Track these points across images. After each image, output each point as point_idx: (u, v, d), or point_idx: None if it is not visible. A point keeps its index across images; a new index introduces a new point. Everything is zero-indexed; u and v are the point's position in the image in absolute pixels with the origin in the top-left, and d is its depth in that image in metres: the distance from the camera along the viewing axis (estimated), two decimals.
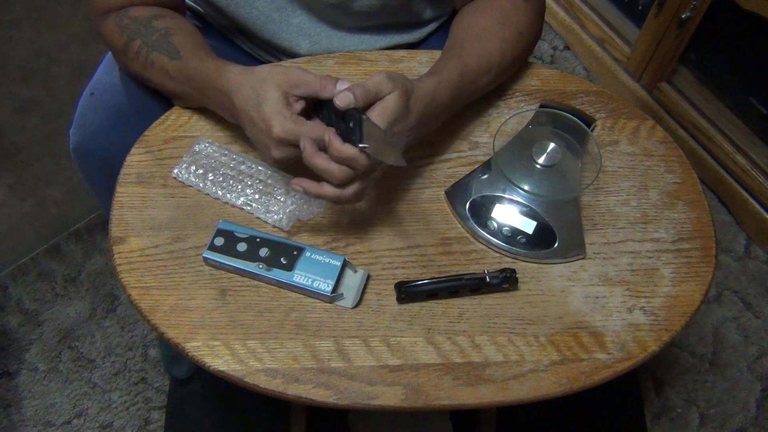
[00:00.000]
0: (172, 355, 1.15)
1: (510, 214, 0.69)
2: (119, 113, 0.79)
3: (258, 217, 0.69)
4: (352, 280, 0.65)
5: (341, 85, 0.62)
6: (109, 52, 0.84)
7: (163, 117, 0.76)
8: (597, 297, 0.66)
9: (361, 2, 0.80)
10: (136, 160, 0.73)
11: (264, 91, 0.61)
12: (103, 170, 0.78)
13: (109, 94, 0.80)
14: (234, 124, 0.75)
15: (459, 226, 0.70)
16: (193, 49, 0.71)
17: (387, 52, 0.85)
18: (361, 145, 0.59)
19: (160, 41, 0.71)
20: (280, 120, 0.60)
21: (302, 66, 0.81)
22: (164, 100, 0.78)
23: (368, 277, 0.66)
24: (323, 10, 0.83)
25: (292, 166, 0.65)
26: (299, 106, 0.63)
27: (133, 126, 0.76)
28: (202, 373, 0.89)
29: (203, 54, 0.70)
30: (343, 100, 0.59)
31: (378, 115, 0.60)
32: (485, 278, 0.64)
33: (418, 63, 0.82)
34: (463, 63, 0.72)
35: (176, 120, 0.76)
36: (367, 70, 0.82)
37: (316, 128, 0.61)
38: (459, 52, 0.73)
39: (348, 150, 0.59)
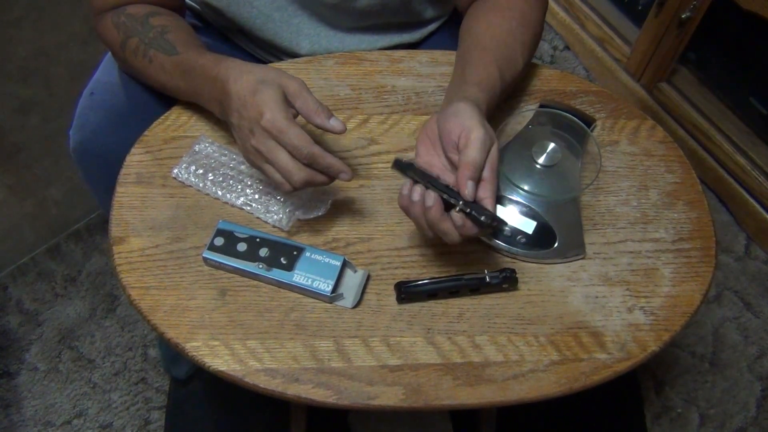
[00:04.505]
0: (172, 355, 1.15)
1: (510, 214, 0.69)
2: (119, 113, 0.79)
3: (258, 217, 0.69)
4: (352, 280, 0.65)
5: (335, 123, 0.61)
6: (109, 53, 0.84)
7: (163, 117, 0.76)
8: (597, 297, 0.66)
9: (361, 1, 0.80)
10: (135, 160, 0.73)
11: (265, 85, 0.61)
12: (103, 170, 0.78)
13: (109, 94, 0.80)
14: None
15: None
16: (189, 45, 0.72)
17: (387, 52, 0.85)
18: (495, 224, 0.58)
19: (157, 38, 0.72)
20: (273, 108, 0.60)
21: (302, 66, 0.82)
22: (164, 100, 0.78)
23: (368, 277, 0.66)
24: (323, 10, 0.83)
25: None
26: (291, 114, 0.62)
27: (133, 126, 0.76)
28: (202, 373, 0.90)
29: (200, 49, 0.71)
30: (470, 192, 0.58)
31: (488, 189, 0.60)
32: (485, 278, 0.64)
33: (419, 63, 0.82)
34: (501, 75, 0.70)
35: (176, 120, 0.76)
36: (366, 70, 0.82)
37: (302, 135, 0.60)
38: (496, 61, 0.71)
39: (473, 231, 0.58)
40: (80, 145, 0.78)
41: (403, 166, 0.61)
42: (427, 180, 0.59)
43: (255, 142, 0.61)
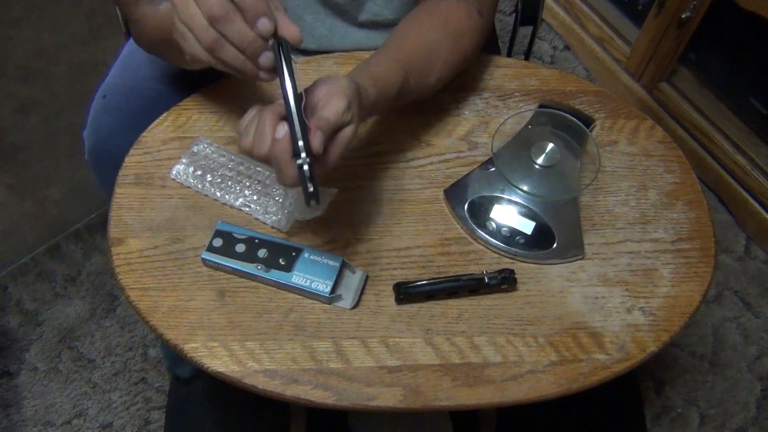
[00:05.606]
0: (175, 354, 1.15)
1: (509, 215, 0.69)
2: (133, 115, 0.79)
3: (256, 218, 0.69)
4: (351, 281, 0.65)
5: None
6: (120, 54, 0.84)
7: (161, 118, 0.76)
8: (596, 297, 0.66)
9: (362, 15, 0.80)
10: (134, 161, 0.73)
11: None
12: (117, 172, 0.78)
13: (122, 96, 0.80)
14: (234, 127, 0.75)
15: (458, 226, 0.70)
16: None
17: None
18: (313, 206, 0.55)
19: None
20: None
21: (300, 66, 0.81)
22: (176, 102, 0.78)
23: (367, 278, 0.66)
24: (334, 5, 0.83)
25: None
26: None
27: (146, 128, 0.76)
28: (204, 372, 0.90)
29: None
30: (318, 143, 0.53)
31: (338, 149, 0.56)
32: (484, 279, 0.64)
33: None
34: (404, 79, 0.68)
35: (175, 121, 0.76)
36: None
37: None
38: (405, 65, 0.69)
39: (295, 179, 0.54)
40: (95, 147, 0.78)
41: (283, 50, 0.53)
42: (291, 81, 0.53)
43: None
